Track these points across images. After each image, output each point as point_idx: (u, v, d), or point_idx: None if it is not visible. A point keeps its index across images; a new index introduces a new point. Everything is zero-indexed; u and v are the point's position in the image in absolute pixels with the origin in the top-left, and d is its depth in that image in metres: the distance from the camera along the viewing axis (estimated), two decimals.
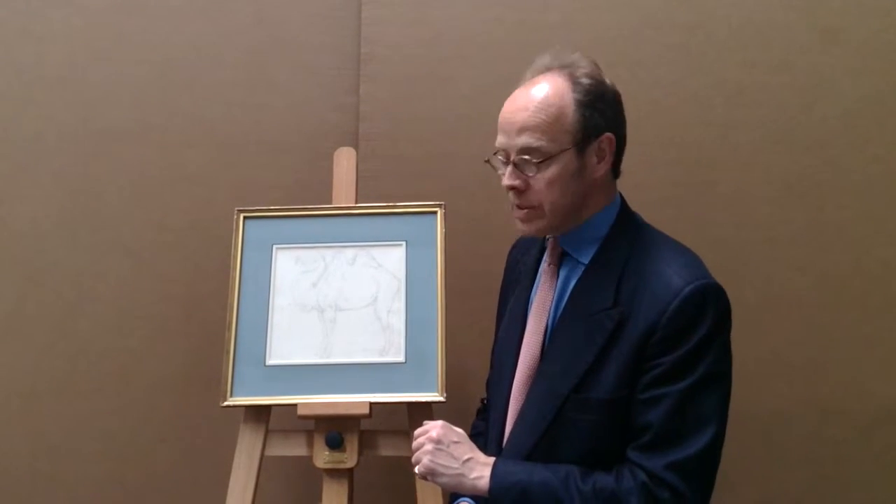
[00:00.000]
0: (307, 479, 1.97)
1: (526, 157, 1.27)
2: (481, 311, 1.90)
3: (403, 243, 1.73)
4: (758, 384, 1.92)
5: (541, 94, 1.27)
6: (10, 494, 2.00)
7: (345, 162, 1.82)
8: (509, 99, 1.32)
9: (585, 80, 1.29)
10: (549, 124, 1.26)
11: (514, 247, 1.62)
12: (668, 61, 1.98)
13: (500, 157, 1.32)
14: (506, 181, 1.29)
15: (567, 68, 1.30)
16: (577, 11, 1.99)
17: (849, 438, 1.92)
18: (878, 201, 1.95)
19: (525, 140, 1.26)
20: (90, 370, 2.02)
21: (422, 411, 1.64)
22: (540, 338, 1.35)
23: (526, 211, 1.30)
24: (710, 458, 1.20)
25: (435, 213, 1.74)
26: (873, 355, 1.93)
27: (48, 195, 2.04)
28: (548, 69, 1.31)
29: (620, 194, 1.37)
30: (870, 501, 1.91)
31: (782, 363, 1.91)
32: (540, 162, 1.26)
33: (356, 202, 1.79)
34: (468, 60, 2.01)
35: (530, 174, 1.27)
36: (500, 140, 1.30)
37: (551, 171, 1.27)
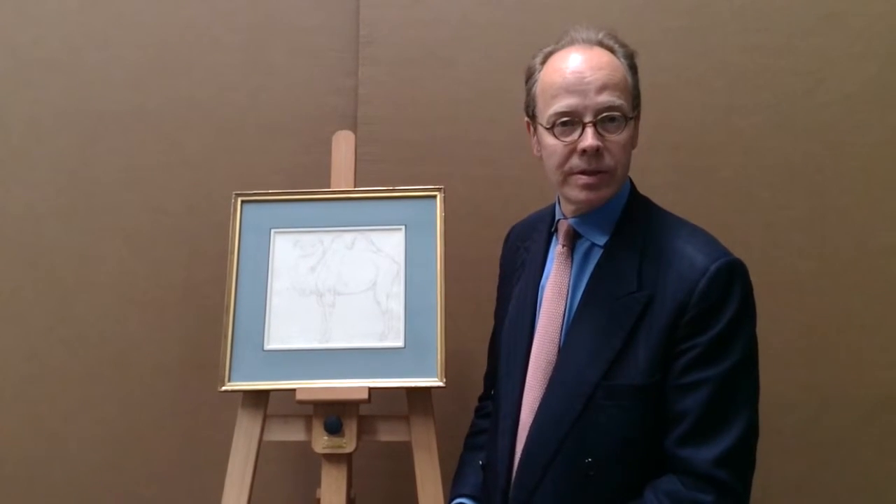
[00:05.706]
0: (306, 464, 1.97)
1: (614, 113, 1.23)
2: (481, 295, 1.90)
3: (403, 227, 1.71)
4: None
5: (605, 57, 1.26)
6: (8, 480, 2.00)
7: (343, 145, 1.81)
8: (569, 60, 1.26)
9: (625, 50, 1.29)
10: (624, 85, 1.25)
11: (510, 234, 1.60)
12: (669, 44, 1.97)
13: (562, 122, 1.25)
14: (590, 141, 1.22)
15: (603, 41, 1.29)
16: None
17: (849, 425, 1.92)
18: (880, 186, 1.94)
19: (607, 98, 1.22)
20: (88, 355, 2.02)
21: (421, 396, 1.63)
22: (558, 323, 1.30)
23: (599, 176, 1.25)
24: (751, 440, 1.19)
25: (434, 197, 1.72)
26: (874, 341, 1.93)
27: (45, 179, 2.03)
28: (586, 41, 1.29)
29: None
30: (870, 488, 1.91)
31: (783, 349, 1.90)
32: (623, 122, 1.24)
33: (355, 186, 1.78)
34: (468, 42, 1.99)
35: (612, 135, 1.24)
36: (571, 102, 1.23)
37: (625, 133, 1.25)
